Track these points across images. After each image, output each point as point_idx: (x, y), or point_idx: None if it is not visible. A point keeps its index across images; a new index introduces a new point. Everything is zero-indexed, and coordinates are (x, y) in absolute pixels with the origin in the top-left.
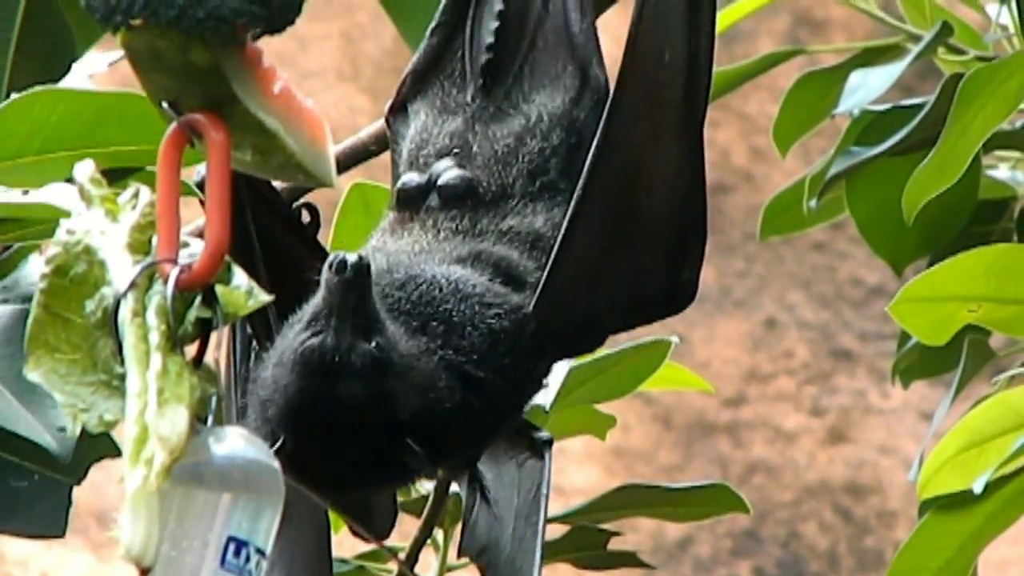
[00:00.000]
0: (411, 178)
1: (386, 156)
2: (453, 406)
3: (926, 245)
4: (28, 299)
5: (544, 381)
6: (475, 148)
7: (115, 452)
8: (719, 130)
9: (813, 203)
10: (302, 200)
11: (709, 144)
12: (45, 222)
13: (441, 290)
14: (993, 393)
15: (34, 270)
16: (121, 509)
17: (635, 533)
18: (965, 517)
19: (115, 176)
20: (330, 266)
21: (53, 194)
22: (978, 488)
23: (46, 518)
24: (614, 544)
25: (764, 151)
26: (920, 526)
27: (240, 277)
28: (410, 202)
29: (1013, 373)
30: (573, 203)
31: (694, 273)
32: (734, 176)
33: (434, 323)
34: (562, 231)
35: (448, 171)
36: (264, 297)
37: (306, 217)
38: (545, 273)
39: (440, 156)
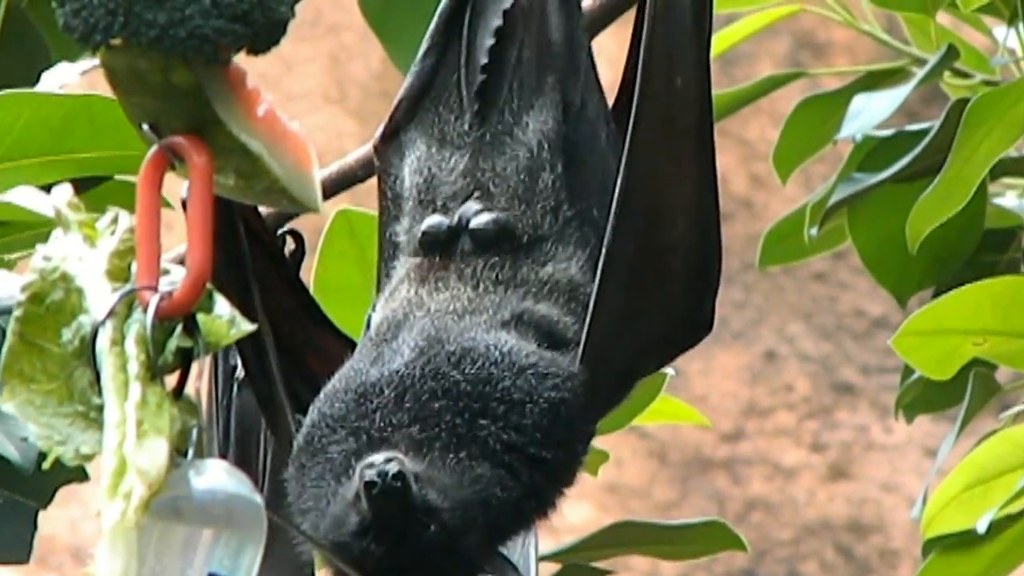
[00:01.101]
0: (437, 221)
1: (373, 182)
2: (522, 494)
3: (931, 275)
4: None
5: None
6: (491, 188)
7: (82, 477)
8: (717, 155)
9: (814, 231)
10: (287, 227)
11: None
12: (15, 231)
13: (498, 366)
14: (999, 429)
15: (2, 285)
16: (98, 544)
17: (629, 572)
18: (971, 558)
19: (85, 185)
20: (363, 480)
21: (19, 197)
22: (982, 528)
23: (11, 543)
24: None
25: (763, 178)
26: (924, 567)
27: (222, 306)
28: (437, 247)
29: (1020, 409)
30: (604, 252)
31: (713, 302)
32: (733, 203)
33: (494, 403)
34: (596, 284)
35: (479, 215)
36: (247, 326)
37: (291, 244)
38: (585, 330)
39: (461, 198)
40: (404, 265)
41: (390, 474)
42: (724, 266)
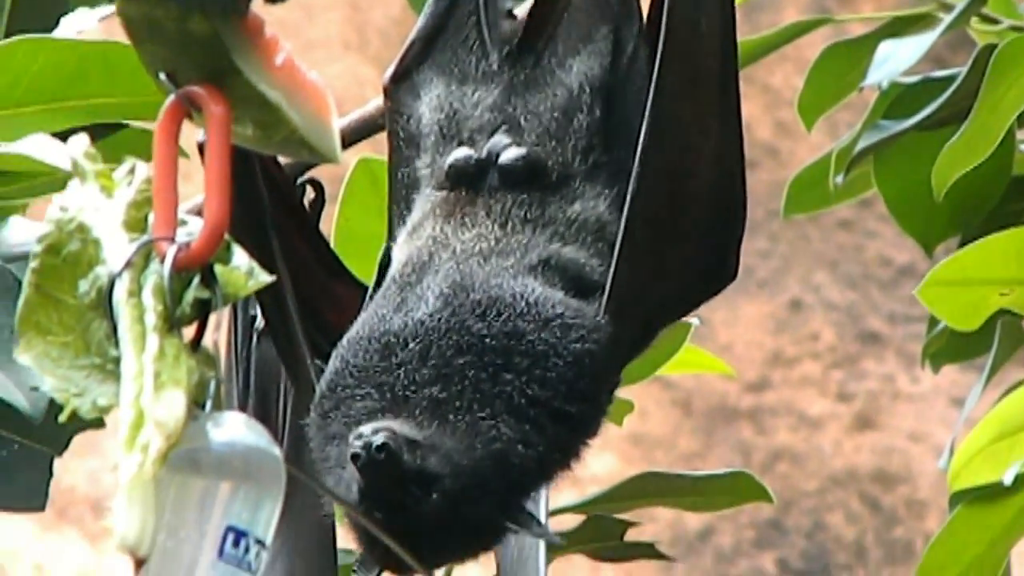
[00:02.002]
0: (465, 154)
1: None
2: (546, 449)
3: (957, 223)
4: (10, 260)
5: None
6: (522, 122)
7: (98, 424)
8: (742, 103)
9: (840, 179)
10: (306, 176)
11: None
12: (28, 178)
13: (523, 317)
14: None
15: (16, 231)
16: (116, 497)
17: (653, 523)
18: (998, 509)
19: (100, 133)
20: (350, 452)
21: (33, 145)
22: (1008, 480)
23: (26, 490)
24: (631, 535)
25: (789, 125)
26: (951, 519)
27: (240, 256)
28: (464, 180)
29: None
30: (628, 200)
31: (737, 250)
32: (758, 151)
33: (519, 358)
34: (620, 232)
35: (508, 148)
36: (265, 277)
37: (310, 194)
38: (610, 279)
39: (488, 131)
40: (428, 198)
41: (374, 445)
42: (749, 214)
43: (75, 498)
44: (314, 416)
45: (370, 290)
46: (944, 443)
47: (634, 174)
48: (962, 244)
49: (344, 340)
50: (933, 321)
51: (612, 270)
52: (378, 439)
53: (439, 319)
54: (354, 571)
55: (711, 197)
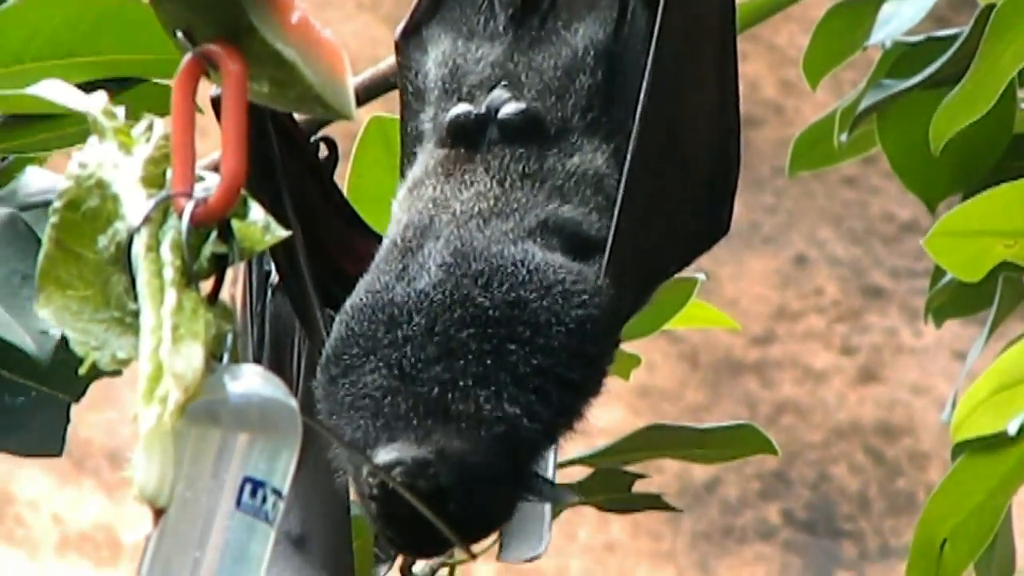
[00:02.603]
0: (464, 109)
1: None
2: (552, 416)
3: (959, 180)
4: (25, 209)
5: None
6: (523, 79)
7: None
8: (748, 62)
9: (844, 137)
10: (320, 133)
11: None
12: (45, 131)
13: (525, 286)
14: None
15: (32, 181)
16: (135, 449)
17: (660, 475)
18: (999, 459)
19: (117, 86)
20: (369, 490)
21: (48, 89)
22: (1013, 430)
23: (43, 436)
24: (639, 486)
25: (794, 83)
26: (953, 469)
27: (257, 212)
28: (465, 136)
29: None
30: (629, 154)
31: (731, 205)
32: (763, 109)
33: (522, 328)
34: (621, 186)
35: (508, 103)
36: (281, 232)
37: (324, 151)
38: (610, 240)
39: (487, 87)
40: (430, 155)
41: (390, 487)
42: (755, 171)
43: (92, 450)
44: (321, 379)
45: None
46: (946, 396)
47: (635, 130)
48: (964, 200)
49: (347, 306)
50: (936, 276)
51: (612, 230)
52: (396, 475)
53: (442, 291)
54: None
55: (708, 152)
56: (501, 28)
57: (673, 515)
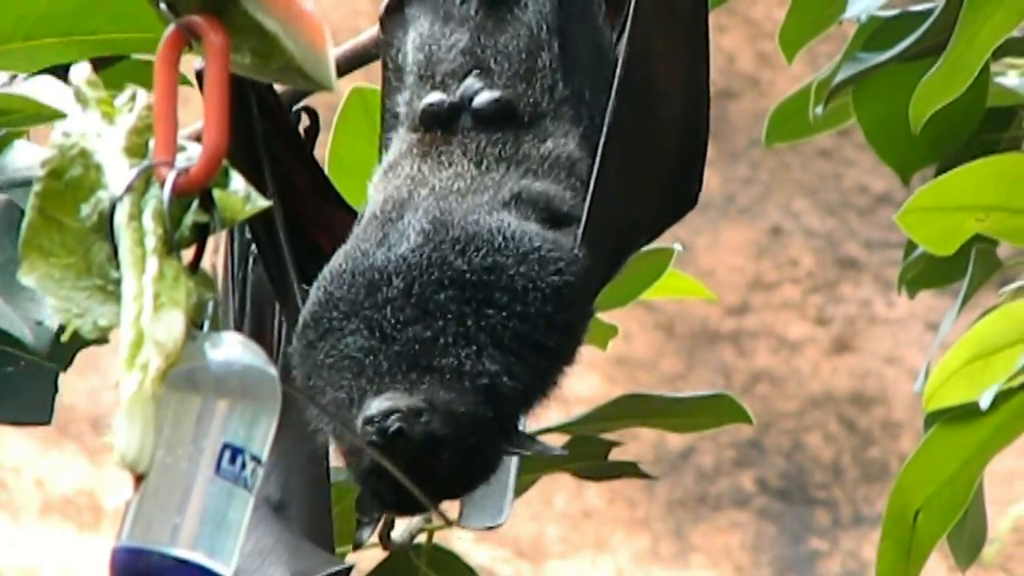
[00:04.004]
0: (438, 98)
1: None
2: (529, 379)
3: (933, 153)
4: (12, 185)
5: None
6: (492, 65)
7: (101, 340)
8: (725, 35)
9: (819, 109)
10: (301, 104)
11: (714, 49)
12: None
13: (502, 252)
14: (1000, 304)
15: (19, 156)
16: (116, 415)
17: (636, 443)
18: (971, 430)
19: (103, 63)
20: (366, 439)
21: (38, 87)
22: (985, 403)
23: (32, 405)
24: (615, 454)
25: (770, 56)
26: (926, 439)
27: (238, 182)
28: (438, 123)
29: (1020, 284)
30: (604, 130)
31: (701, 176)
32: (739, 81)
33: (499, 293)
34: (597, 162)
35: (481, 92)
36: (262, 202)
37: (305, 121)
38: (586, 210)
39: (460, 75)
40: (404, 139)
41: (390, 431)
42: (731, 143)
43: (75, 415)
44: (298, 345)
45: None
46: (919, 366)
47: (611, 104)
48: (938, 174)
49: (326, 272)
50: (909, 247)
51: (588, 199)
52: (393, 425)
53: (420, 255)
54: (358, 509)
55: (680, 124)
56: (472, 11)
57: (648, 483)
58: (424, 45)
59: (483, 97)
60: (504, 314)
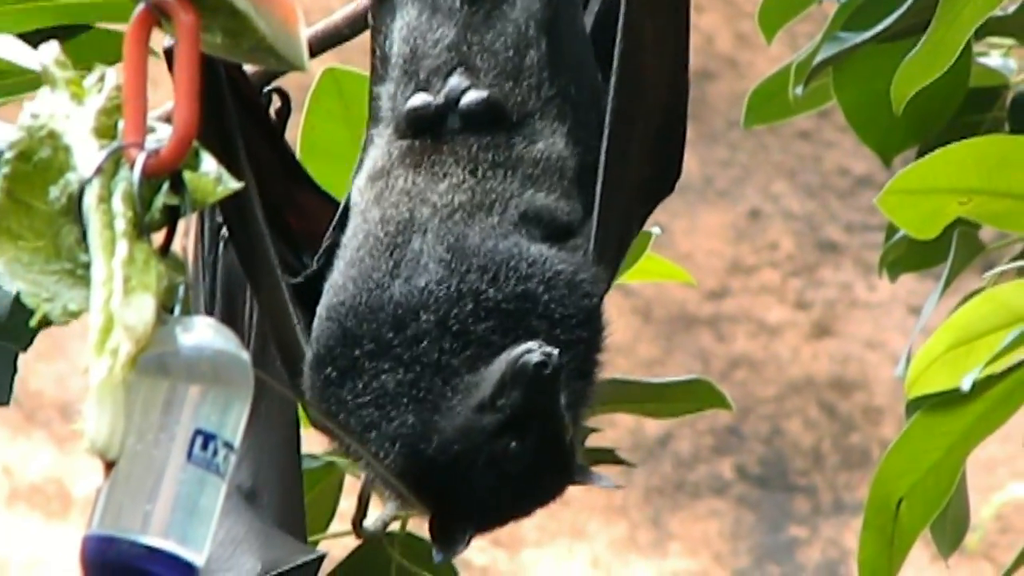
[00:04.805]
0: (423, 101)
1: (360, 40)
2: (572, 400)
3: (915, 134)
4: None
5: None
6: (477, 63)
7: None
8: (703, 15)
9: (799, 90)
10: (272, 85)
11: (693, 30)
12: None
13: (531, 279)
14: (983, 288)
15: None
16: (85, 401)
17: (613, 429)
18: (954, 417)
19: (67, 34)
20: (527, 364)
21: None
22: (966, 386)
23: None
24: (592, 440)
25: (749, 37)
26: (909, 427)
27: (209, 163)
28: (425, 127)
29: (1003, 268)
30: (607, 129)
31: (683, 153)
32: (718, 62)
33: (536, 321)
34: (601, 168)
35: (468, 92)
36: (233, 184)
37: (276, 103)
38: (595, 224)
39: (444, 73)
40: (391, 144)
41: (552, 362)
42: (709, 125)
43: (43, 402)
44: (312, 378)
45: (336, 219)
46: (901, 351)
47: (610, 104)
48: (920, 155)
49: (335, 303)
50: (891, 230)
51: (596, 213)
52: (554, 360)
53: (448, 287)
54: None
55: (666, 111)
56: (458, 4)
57: (626, 469)
58: (410, 37)
59: (470, 97)
60: (545, 339)
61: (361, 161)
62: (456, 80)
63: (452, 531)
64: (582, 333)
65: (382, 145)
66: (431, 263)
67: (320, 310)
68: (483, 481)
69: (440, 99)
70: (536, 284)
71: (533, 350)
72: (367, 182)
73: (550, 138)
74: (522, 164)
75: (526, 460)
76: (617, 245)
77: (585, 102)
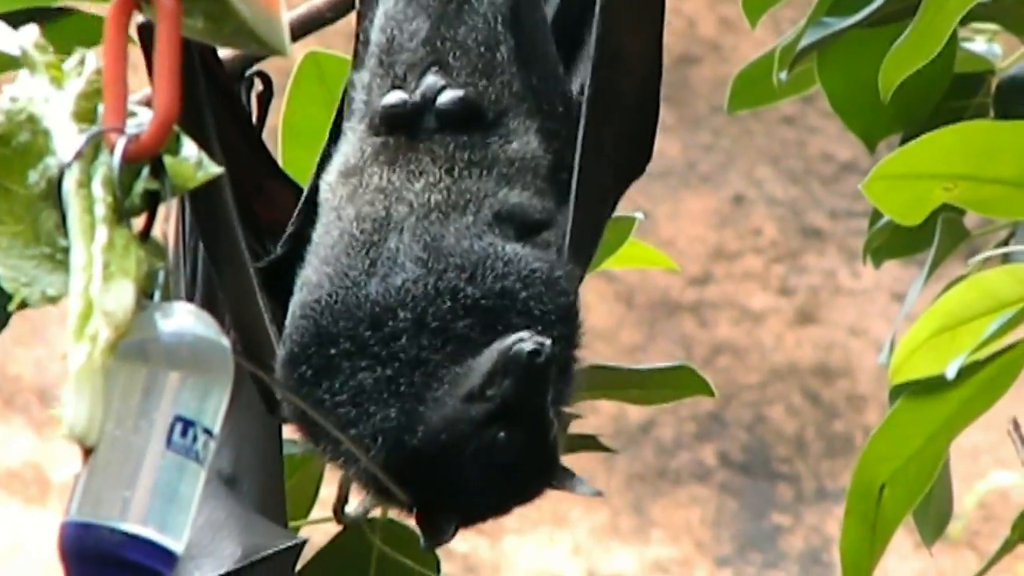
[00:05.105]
0: (398, 98)
1: (342, 24)
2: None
3: (900, 120)
4: None
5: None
6: (451, 60)
7: None
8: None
9: (783, 75)
10: (254, 69)
11: (676, 13)
12: None
13: (507, 277)
14: (967, 274)
15: None
16: (64, 387)
17: (595, 416)
18: (938, 403)
19: (47, 17)
20: (521, 353)
21: None
22: (951, 374)
23: None
24: (574, 427)
25: (733, 21)
26: (892, 413)
27: (189, 148)
28: (400, 124)
29: (988, 255)
30: (582, 123)
31: (653, 137)
32: (701, 47)
33: (517, 318)
34: (577, 157)
35: (444, 91)
36: (214, 169)
37: (258, 87)
38: (569, 222)
39: (419, 70)
40: (365, 141)
41: (545, 350)
42: (692, 110)
43: (21, 387)
44: (285, 375)
45: (299, 208)
46: (884, 338)
47: (587, 92)
48: (904, 141)
49: (310, 301)
50: (875, 217)
51: (572, 206)
52: (547, 348)
53: (425, 284)
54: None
55: (640, 95)
56: None
57: (608, 457)
58: (387, 26)
59: (446, 96)
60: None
61: (328, 154)
62: (432, 80)
63: (438, 522)
64: (562, 330)
65: (354, 141)
66: (408, 262)
67: (293, 308)
68: (469, 471)
69: (416, 97)
70: (513, 282)
71: (525, 339)
72: (339, 178)
73: (524, 136)
74: (497, 163)
75: (512, 452)
76: (592, 233)
77: (551, 92)
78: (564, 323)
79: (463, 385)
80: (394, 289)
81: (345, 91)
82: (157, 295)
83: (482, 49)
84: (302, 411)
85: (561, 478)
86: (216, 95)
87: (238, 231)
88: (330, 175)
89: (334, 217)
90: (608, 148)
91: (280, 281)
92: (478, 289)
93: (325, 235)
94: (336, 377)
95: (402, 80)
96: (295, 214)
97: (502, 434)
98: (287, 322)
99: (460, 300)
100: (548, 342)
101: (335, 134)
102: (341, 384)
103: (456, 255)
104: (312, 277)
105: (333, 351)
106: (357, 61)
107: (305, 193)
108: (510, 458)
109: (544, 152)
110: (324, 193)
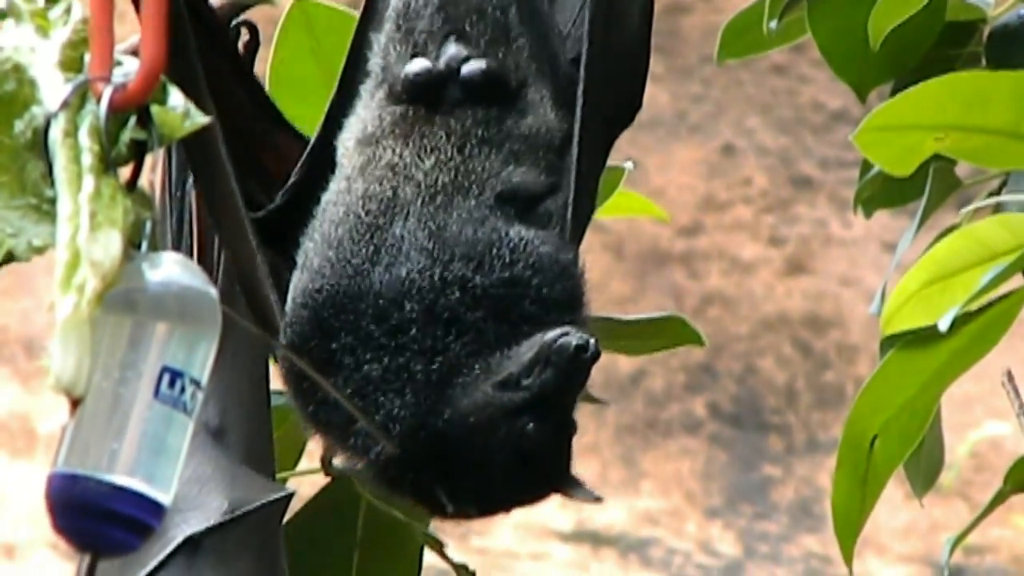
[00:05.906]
0: (422, 67)
1: None
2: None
3: (891, 69)
4: None
5: None
6: (467, 28)
7: None
8: None
9: (773, 24)
10: (241, 18)
11: None
12: None
13: (515, 265)
14: (959, 224)
15: None
16: (51, 338)
17: None
18: (929, 354)
19: None
20: (567, 346)
21: None
22: (944, 326)
23: None
24: None
25: None
26: (883, 364)
27: (176, 97)
28: (423, 94)
29: (979, 205)
30: (580, 93)
31: (644, 84)
32: None
33: (532, 306)
34: (577, 122)
35: (467, 62)
36: (201, 118)
37: (245, 36)
38: (569, 206)
39: (438, 38)
40: (382, 108)
41: (591, 347)
42: (682, 59)
43: (8, 338)
44: (288, 366)
45: (304, 158)
46: (876, 288)
47: (584, 53)
48: (895, 90)
49: (311, 289)
50: (866, 166)
51: (573, 181)
52: (592, 346)
53: (432, 276)
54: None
55: (633, 43)
56: None
57: (598, 408)
58: None
59: (471, 66)
60: (539, 322)
61: (339, 111)
62: (455, 50)
63: (443, 505)
64: (574, 316)
65: (373, 108)
66: (413, 252)
67: (293, 291)
68: (490, 458)
69: (441, 66)
70: (523, 269)
71: (571, 333)
72: (356, 145)
73: (540, 108)
74: (509, 140)
75: (536, 445)
76: (590, 189)
77: (556, 55)
78: (576, 309)
79: (498, 372)
80: (399, 280)
81: (355, 46)
82: (144, 245)
83: (496, 13)
84: (304, 405)
85: (567, 484)
86: (209, 43)
87: (233, 184)
88: (348, 140)
89: (344, 187)
90: (605, 104)
91: (281, 231)
92: (487, 278)
93: (332, 206)
94: (340, 371)
95: (423, 48)
96: (298, 165)
97: (531, 425)
98: (288, 308)
99: (469, 290)
100: (594, 340)
101: (345, 90)
102: (346, 377)
103: (461, 244)
104: (314, 260)
105: (335, 345)
106: (371, 16)
107: (310, 146)
108: (532, 451)
109: (558, 122)
110: (341, 158)
